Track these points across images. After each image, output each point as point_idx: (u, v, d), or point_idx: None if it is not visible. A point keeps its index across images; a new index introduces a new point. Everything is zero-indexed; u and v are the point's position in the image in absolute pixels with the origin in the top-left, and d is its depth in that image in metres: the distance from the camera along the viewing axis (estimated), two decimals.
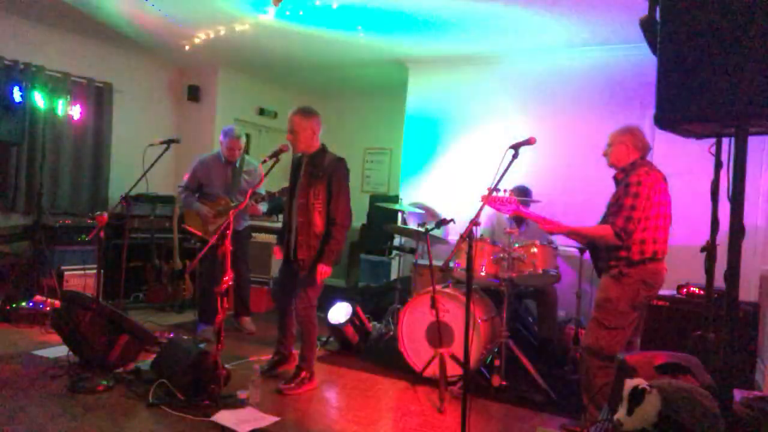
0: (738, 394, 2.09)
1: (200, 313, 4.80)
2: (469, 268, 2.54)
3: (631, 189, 2.89)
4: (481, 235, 4.30)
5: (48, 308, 4.71)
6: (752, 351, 3.73)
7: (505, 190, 3.24)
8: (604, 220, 3.03)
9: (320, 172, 3.59)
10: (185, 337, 4.48)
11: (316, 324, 3.68)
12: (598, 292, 3.04)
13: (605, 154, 3.16)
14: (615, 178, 3.12)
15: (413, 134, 6.06)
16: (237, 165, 4.71)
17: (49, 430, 2.81)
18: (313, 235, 3.55)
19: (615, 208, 2.92)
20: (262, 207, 4.64)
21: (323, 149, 3.74)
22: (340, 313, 4.58)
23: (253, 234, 5.49)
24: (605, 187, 3.24)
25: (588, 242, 3.18)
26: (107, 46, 6.21)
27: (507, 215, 3.53)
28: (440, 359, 3.66)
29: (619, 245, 2.91)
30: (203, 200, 4.63)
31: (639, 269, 2.90)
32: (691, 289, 3.95)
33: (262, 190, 4.31)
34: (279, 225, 6.43)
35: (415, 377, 3.93)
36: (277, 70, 6.99)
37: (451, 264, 3.99)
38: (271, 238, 6.23)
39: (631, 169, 3.00)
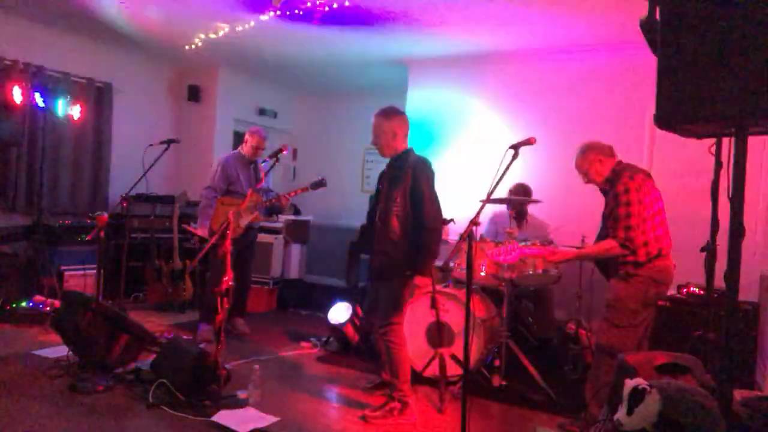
0: (738, 394, 2.09)
1: (201, 313, 4.81)
2: (469, 268, 2.53)
3: (621, 198, 2.92)
4: (481, 236, 4.29)
5: (48, 308, 4.71)
6: (752, 351, 3.73)
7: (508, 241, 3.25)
8: (602, 233, 3.04)
9: (401, 175, 3.27)
10: (185, 337, 4.48)
11: (399, 343, 3.29)
12: (607, 292, 3.06)
13: (588, 182, 3.19)
14: (602, 190, 3.14)
15: (413, 134, 5.99)
16: (256, 163, 4.83)
17: (49, 430, 2.81)
18: (389, 242, 3.24)
19: (612, 221, 2.95)
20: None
21: (408, 152, 3.41)
22: (340, 313, 4.58)
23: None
24: None
25: (597, 259, 3.18)
26: (107, 46, 6.20)
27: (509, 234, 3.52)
28: (440, 359, 3.66)
29: (625, 252, 2.92)
30: (231, 198, 4.64)
31: (647, 268, 2.93)
32: (691, 289, 3.96)
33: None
34: (279, 225, 6.47)
35: (415, 377, 3.91)
36: (277, 70, 6.98)
37: (451, 264, 3.99)
38: (271, 238, 6.24)
39: (615, 177, 3.03)
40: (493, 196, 2.81)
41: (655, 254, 2.93)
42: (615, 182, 3.01)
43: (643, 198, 2.93)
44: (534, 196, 4.68)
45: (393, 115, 3.42)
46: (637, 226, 2.89)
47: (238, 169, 4.72)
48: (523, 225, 4.63)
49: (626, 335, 2.93)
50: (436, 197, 3.30)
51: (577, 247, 4.37)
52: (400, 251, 3.21)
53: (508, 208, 4.63)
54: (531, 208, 4.80)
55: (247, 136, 4.77)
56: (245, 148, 4.75)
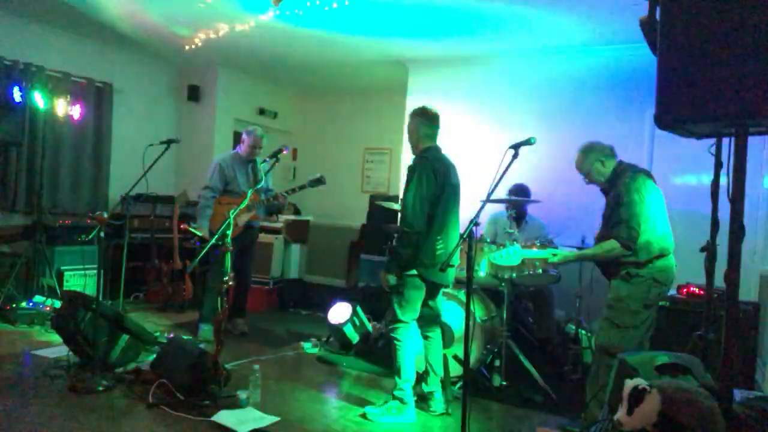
0: (738, 394, 2.09)
1: (201, 313, 4.82)
2: (469, 268, 2.53)
3: (623, 198, 2.91)
4: (481, 236, 4.29)
5: (48, 308, 4.71)
6: (752, 351, 3.73)
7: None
8: (603, 233, 3.03)
9: (410, 175, 3.29)
10: (185, 337, 4.49)
11: (404, 341, 3.29)
12: (609, 292, 3.05)
13: (590, 183, 3.18)
14: (602, 190, 3.14)
15: None
16: (256, 162, 4.84)
17: (49, 430, 2.81)
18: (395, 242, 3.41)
19: (614, 221, 2.93)
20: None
21: (425, 151, 3.37)
22: (340, 313, 4.58)
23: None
24: None
25: (600, 260, 3.16)
26: (107, 46, 6.21)
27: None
28: (444, 360, 3.65)
29: (627, 252, 2.92)
30: (229, 197, 4.65)
31: (648, 269, 2.92)
32: (691, 289, 3.96)
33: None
34: (279, 225, 6.47)
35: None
36: (277, 70, 6.99)
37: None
38: (271, 238, 6.24)
39: (616, 178, 3.03)
40: (493, 197, 2.80)
41: (656, 254, 2.92)
42: (616, 182, 3.01)
43: (645, 198, 2.93)
44: (534, 197, 4.67)
45: (415, 114, 3.45)
46: (639, 226, 2.89)
47: (236, 168, 4.72)
48: (522, 225, 4.63)
49: (627, 335, 2.93)
50: (425, 199, 3.18)
51: (578, 248, 4.38)
52: None
53: (507, 209, 4.63)
54: (530, 209, 4.80)
55: (243, 136, 4.78)
56: (242, 148, 4.77)
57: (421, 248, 3.22)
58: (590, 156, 3.12)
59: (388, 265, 3.32)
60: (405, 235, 3.19)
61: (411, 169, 3.30)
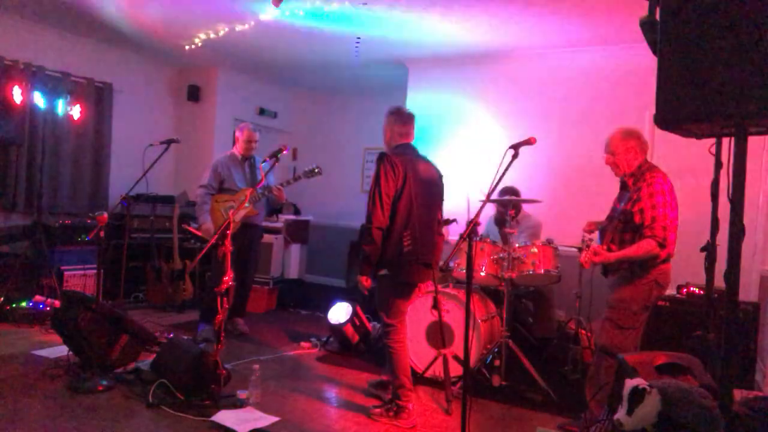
0: (738, 394, 2.09)
1: (201, 313, 4.82)
2: (469, 268, 2.53)
3: (657, 199, 2.86)
4: (482, 236, 4.29)
5: (48, 308, 4.71)
6: (752, 351, 3.73)
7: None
8: (619, 227, 2.99)
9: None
10: (185, 337, 4.48)
11: (394, 346, 3.25)
12: (611, 293, 3.04)
13: (610, 164, 3.10)
14: (623, 182, 3.10)
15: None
16: (253, 160, 4.84)
17: (49, 430, 2.81)
18: None
19: (650, 221, 2.86)
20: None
21: (394, 148, 3.36)
22: (340, 313, 4.58)
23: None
24: (605, 187, 3.23)
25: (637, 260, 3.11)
26: (107, 46, 6.21)
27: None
28: (444, 360, 3.65)
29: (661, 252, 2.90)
30: (225, 195, 4.66)
31: (652, 271, 2.92)
32: (691, 289, 3.96)
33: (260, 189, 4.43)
34: (279, 225, 6.47)
35: (415, 377, 3.92)
36: (277, 70, 6.99)
37: (451, 264, 3.99)
38: (271, 238, 6.24)
39: (642, 175, 2.97)
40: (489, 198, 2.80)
41: (663, 257, 2.92)
42: (641, 179, 2.95)
43: (671, 201, 2.91)
44: (533, 196, 4.67)
45: (389, 113, 3.40)
46: (670, 226, 2.87)
47: (231, 167, 4.73)
48: (513, 225, 4.62)
49: (628, 336, 2.93)
50: (385, 194, 3.17)
51: (578, 248, 4.38)
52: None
53: (499, 210, 4.64)
54: (531, 208, 4.80)
55: (237, 134, 4.80)
56: (238, 146, 4.78)
57: (384, 244, 3.16)
58: (630, 142, 3.02)
59: (360, 266, 3.25)
60: (366, 231, 3.18)
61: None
